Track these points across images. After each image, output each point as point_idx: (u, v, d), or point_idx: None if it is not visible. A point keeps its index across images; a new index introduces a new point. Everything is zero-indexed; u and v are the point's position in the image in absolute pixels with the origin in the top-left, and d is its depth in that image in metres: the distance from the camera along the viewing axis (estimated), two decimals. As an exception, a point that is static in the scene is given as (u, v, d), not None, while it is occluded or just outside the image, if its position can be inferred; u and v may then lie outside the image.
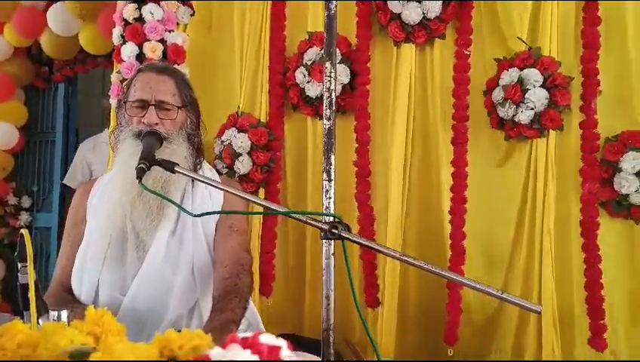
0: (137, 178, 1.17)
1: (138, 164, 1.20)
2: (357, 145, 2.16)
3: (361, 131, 2.16)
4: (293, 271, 2.32)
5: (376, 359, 1.77)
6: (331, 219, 1.06)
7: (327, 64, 1.13)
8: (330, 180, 1.10)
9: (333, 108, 1.12)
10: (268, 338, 0.54)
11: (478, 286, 0.96)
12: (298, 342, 1.52)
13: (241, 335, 0.54)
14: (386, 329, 2.11)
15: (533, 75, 1.97)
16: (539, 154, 2.04)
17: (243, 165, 2.21)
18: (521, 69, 1.99)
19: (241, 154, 2.21)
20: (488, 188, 2.11)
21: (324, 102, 1.12)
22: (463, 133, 2.10)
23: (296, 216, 1.08)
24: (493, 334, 2.10)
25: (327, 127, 1.11)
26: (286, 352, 0.55)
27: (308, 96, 2.18)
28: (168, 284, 1.37)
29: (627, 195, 1.96)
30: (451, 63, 2.15)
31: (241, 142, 2.20)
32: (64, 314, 0.82)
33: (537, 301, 2.01)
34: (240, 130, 2.24)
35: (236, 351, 0.52)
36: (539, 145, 2.05)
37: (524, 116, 1.98)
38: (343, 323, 2.13)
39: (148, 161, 1.21)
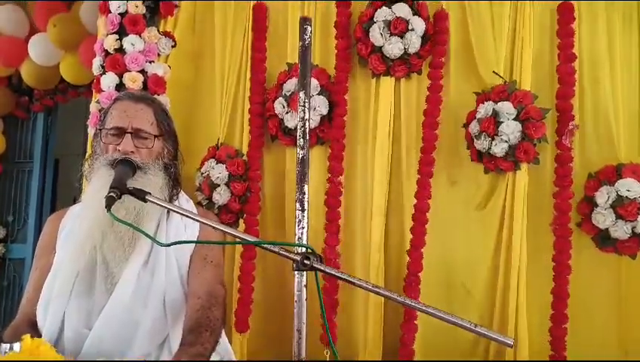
0: (106, 207, 1.15)
1: (108, 193, 1.17)
2: (329, 174, 2.16)
3: (334, 160, 2.16)
4: (272, 306, 2.27)
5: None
6: (303, 249, 1.05)
7: (301, 94, 1.13)
8: (303, 210, 1.08)
9: (307, 137, 1.11)
10: None
11: (452, 319, 0.94)
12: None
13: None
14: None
15: (506, 108, 2.00)
16: (516, 187, 2.06)
17: (221, 196, 2.19)
18: (496, 102, 2.03)
19: (218, 185, 2.19)
20: (467, 222, 2.12)
21: (298, 131, 1.11)
22: (429, 165, 2.12)
23: (267, 246, 1.06)
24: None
25: (300, 156, 1.10)
26: None
27: (287, 127, 2.18)
28: (136, 319, 1.32)
29: (607, 229, 1.98)
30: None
31: (218, 173, 2.18)
32: (16, 346, 0.78)
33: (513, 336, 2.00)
34: (218, 161, 2.22)
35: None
36: (516, 177, 2.07)
37: (499, 148, 2.00)
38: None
39: (119, 189, 1.19)
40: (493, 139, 2.00)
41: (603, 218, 1.97)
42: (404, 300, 0.98)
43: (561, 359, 1.99)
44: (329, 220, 2.14)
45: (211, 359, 1.42)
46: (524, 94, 2.02)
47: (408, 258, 2.09)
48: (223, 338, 1.46)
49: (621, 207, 1.93)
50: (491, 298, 2.09)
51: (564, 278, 2.01)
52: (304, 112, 1.12)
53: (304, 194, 1.09)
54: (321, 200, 2.18)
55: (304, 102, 1.13)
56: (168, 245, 1.11)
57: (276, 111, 2.22)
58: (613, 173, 2.00)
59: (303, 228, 1.08)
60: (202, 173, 2.24)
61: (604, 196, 1.97)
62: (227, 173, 2.19)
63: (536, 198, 2.07)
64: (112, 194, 1.17)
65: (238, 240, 1.09)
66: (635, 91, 2.08)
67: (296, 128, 2.15)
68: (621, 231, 1.94)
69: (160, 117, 1.48)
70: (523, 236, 2.03)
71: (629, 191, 1.94)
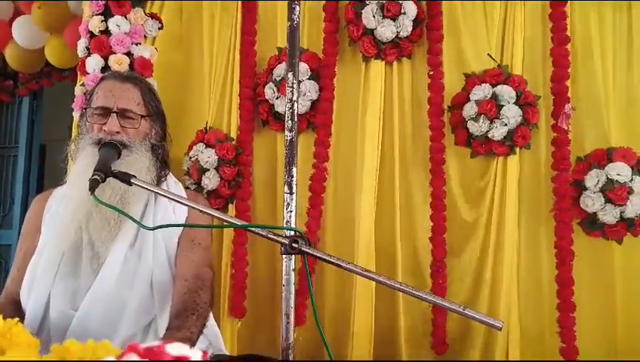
0: (90, 190, 1.12)
1: (92, 176, 1.15)
2: (314, 160, 2.14)
3: (320, 146, 2.14)
4: (262, 291, 2.26)
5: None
6: (292, 233, 1.03)
7: (290, 75, 1.11)
8: (291, 193, 1.07)
9: (295, 120, 1.09)
10: (177, 348, 0.49)
11: (441, 302, 0.94)
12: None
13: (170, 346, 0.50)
14: (358, 352, 2.07)
15: (507, 92, 1.99)
16: (508, 172, 2.06)
17: (210, 180, 2.16)
18: (493, 86, 2.01)
19: (208, 170, 2.17)
20: (454, 206, 2.12)
21: (286, 113, 1.09)
22: (440, 152, 2.10)
23: (256, 229, 1.05)
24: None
25: (288, 138, 1.09)
26: None
27: (277, 112, 2.16)
28: (123, 300, 1.31)
29: (595, 213, 1.98)
30: (418, 82, 2.16)
31: (207, 157, 2.16)
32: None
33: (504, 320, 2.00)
34: (207, 146, 2.20)
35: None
36: (507, 162, 2.06)
37: (498, 132, 1.99)
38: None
39: (103, 172, 1.17)
40: (492, 122, 1.99)
41: (592, 201, 1.96)
42: (393, 283, 0.97)
43: (572, 350, 1.94)
44: (312, 205, 2.12)
45: (200, 344, 1.42)
46: (519, 79, 2.01)
47: (431, 245, 2.08)
48: (211, 322, 1.45)
49: (611, 191, 1.93)
50: (479, 284, 2.09)
51: (568, 264, 1.98)
52: (292, 94, 1.10)
53: (292, 177, 1.08)
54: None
55: (292, 83, 1.11)
56: (153, 229, 1.09)
57: (266, 97, 2.20)
58: (603, 157, 1.99)
59: (292, 211, 1.07)
60: (191, 158, 2.22)
61: (593, 179, 1.96)
62: (216, 157, 2.17)
63: (527, 183, 2.07)
64: (96, 177, 1.15)
65: (225, 223, 1.08)
66: (625, 75, 2.07)
67: (286, 112, 2.15)
68: (610, 215, 1.94)
69: (147, 97, 1.45)
70: (515, 221, 2.02)
71: (619, 175, 1.94)
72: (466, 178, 2.12)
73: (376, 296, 2.09)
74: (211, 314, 1.45)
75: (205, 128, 2.26)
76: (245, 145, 2.24)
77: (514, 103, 1.99)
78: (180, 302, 1.28)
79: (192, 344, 1.17)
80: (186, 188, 2.16)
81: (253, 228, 1.05)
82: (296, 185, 1.07)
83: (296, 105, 1.10)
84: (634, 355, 1.99)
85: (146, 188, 1.18)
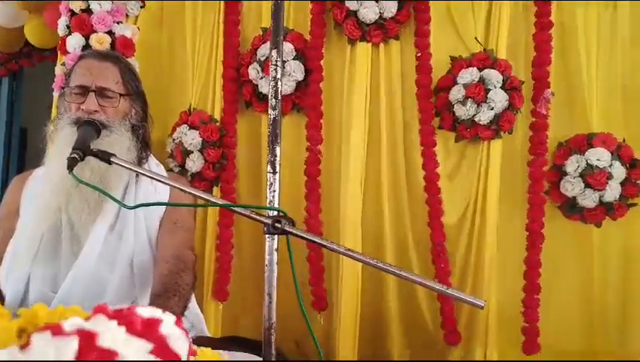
0: (68, 168, 1.10)
1: (70, 154, 1.13)
2: (308, 143, 2.12)
3: (312, 129, 2.12)
4: (247, 273, 2.25)
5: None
6: (275, 213, 1.02)
7: (274, 52, 1.09)
8: (274, 173, 1.06)
9: (279, 98, 1.08)
10: (148, 311, 0.48)
11: (423, 281, 0.94)
12: (244, 344, 1.47)
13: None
14: (344, 334, 2.08)
15: (495, 76, 1.98)
16: (491, 156, 2.06)
17: (194, 163, 2.14)
18: (480, 70, 2.00)
19: (192, 152, 2.14)
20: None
21: (270, 91, 1.08)
22: (431, 135, 2.09)
23: (238, 209, 1.03)
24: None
25: (272, 116, 1.07)
26: (172, 330, 0.49)
27: (261, 93, 2.13)
28: (103, 282, 1.29)
29: (575, 198, 2.00)
30: (406, 64, 2.14)
31: (191, 139, 2.13)
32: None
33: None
34: (191, 127, 2.17)
35: (99, 322, 0.46)
36: (490, 146, 2.07)
37: (485, 116, 1.98)
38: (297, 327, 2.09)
39: (81, 150, 1.14)
40: (479, 106, 1.98)
41: (572, 186, 1.98)
42: (377, 263, 0.97)
43: (534, 330, 2.01)
44: (309, 189, 2.11)
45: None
46: (505, 64, 2.01)
47: (430, 229, 2.08)
48: (193, 305, 1.44)
49: (590, 176, 1.95)
50: (465, 267, 2.11)
51: (537, 247, 2.03)
52: (276, 72, 1.08)
53: (276, 156, 1.07)
54: (297, 169, 2.15)
55: (276, 61, 1.09)
56: (133, 207, 1.08)
57: (250, 77, 2.16)
58: (583, 142, 2.01)
59: (275, 191, 1.06)
60: (174, 140, 2.19)
61: (573, 165, 1.98)
62: (201, 139, 2.14)
63: (508, 167, 2.08)
64: (74, 155, 1.13)
65: (208, 203, 1.06)
66: (608, 61, 2.08)
67: (270, 94, 2.13)
68: (589, 199, 1.97)
69: (126, 76, 1.42)
70: (497, 205, 2.04)
71: (598, 160, 1.96)
72: (451, 162, 2.12)
73: (362, 279, 2.10)
74: (193, 297, 1.45)
75: (189, 109, 2.22)
76: (229, 126, 2.21)
77: (500, 88, 1.99)
78: (160, 283, 1.27)
79: (174, 324, 1.15)
80: (169, 170, 2.14)
81: (235, 208, 1.03)
82: (279, 164, 1.06)
83: (280, 83, 1.08)
84: (609, 336, 2.04)
85: (127, 168, 1.16)
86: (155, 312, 0.48)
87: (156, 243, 1.38)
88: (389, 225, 2.12)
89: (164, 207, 1.40)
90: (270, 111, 1.08)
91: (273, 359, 1.01)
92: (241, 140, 2.25)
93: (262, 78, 2.11)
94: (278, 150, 1.06)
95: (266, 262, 1.03)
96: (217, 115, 2.23)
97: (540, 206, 2.03)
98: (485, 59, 2.02)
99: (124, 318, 0.46)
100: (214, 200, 1.08)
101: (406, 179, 2.13)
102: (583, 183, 1.97)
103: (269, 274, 1.03)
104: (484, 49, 2.06)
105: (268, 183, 1.06)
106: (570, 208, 2.04)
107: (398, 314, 2.12)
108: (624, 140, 2.03)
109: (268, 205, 1.04)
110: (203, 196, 1.14)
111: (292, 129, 2.17)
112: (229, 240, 2.20)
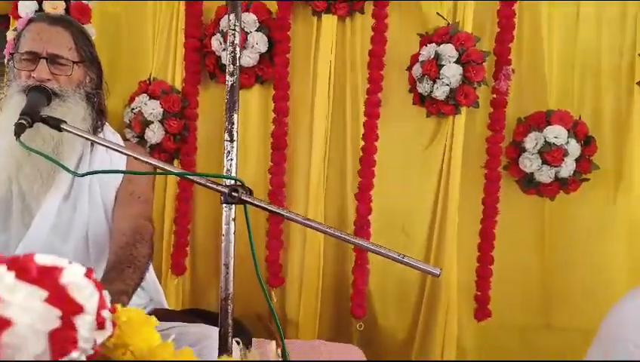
0: (15, 135, 1.05)
1: (18, 120, 1.08)
2: (274, 115, 2.10)
3: (279, 101, 2.09)
4: (208, 246, 2.24)
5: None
6: (232, 182, 1.00)
7: (232, 17, 1.05)
8: (232, 141, 1.03)
9: (237, 64, 1.05)
10: (46, 258, 0.45)
11: (379, 249, 0.94)
12: (204, 316, 1.46)
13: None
14: (306, 307, 2.09)
15: (448, 51, 1.99)
16: (455, 131, 2.09)
17: (154, 133, 2.09)
18: (439, 45, 2.01)
19: (152, 122, 2.09)
20: (409, 165, 2.14)
21: (227, 57, 1.05)
22: (375, 106, 2.09)
23: (194, 178, 1.01)
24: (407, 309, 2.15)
25: (230, 83, 1.04)
26: (75, 279, 0.47)
27: (224, 64, 2.07)
28: (56, 254, 1.24)
29: (533, 173, 2.05)
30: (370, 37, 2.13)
31: (152, 109, 2.08)
32: None
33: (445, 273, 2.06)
34: (151, 97, 2.11)
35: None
36: (455, 122, 2.09)
37: (440, 92, 2.00)
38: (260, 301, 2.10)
39: (30, 116, 1.09)
40: (434, 82, 1.99)
41: (530, 163, 2.03)
42: (333, 232, 0.96)
43: (485, 298, 2.07)
44: (275, 162, 2.10)
45: (140, 299, 1.39)
46: (466, 37, 2.01)
47: (357, 201, 2.08)
48: (152, 278, 1.42)
49: (548, 153, 2.00)
50: (429, 241, 2.14)
51: (492, 220, 2.09)
52: (234, 37, 1.05)
53: (233, 124, 1.04)
54: (262, 142, 2.13)
55: (234, 26, 1.05)
56: (84, 175, 1.04)
57: (213, 48, 2.12)
58: (542, 120, 2.05)
59: (232, 159, 1.03)
60: (133, 109, 2.13)
61: (532, 142, 2.03)
62: (161, 109, 2.09)
63: (472, 142, 2.11)
64: (22, 121, 1.08)
65: (162, 171, 1.04)
66: (569, 39, 2.11)
67: (233, 65, 2.08)
68: (545, 175, 2.02)
69: (80, 41, 1.35)
70: (459, 179, 2.07)
71: (556, 138, 2.01)
72: (422, 138, 2.14)
73: (325, 255, 2.11)
74: (152, 270, 1.42)
75: (149, 79, 2.16)
76: (191, 97, 2.16)
77: (454, 62, 1.99)
78: (115, 255, 1.24)
79: (128, 296, 1.13)
80: (126, 140, 2.08)
81: (191, 177, 1.01)
82: (237, 132, 1.04)
83: (237, 48, 1.05)
84: (560, 308, 2.12)
85: (79, 135, 1.11)
86: (58, 261, 0.46)
87: (112, 215, 1.34)
88: (352, 199, 2.13)
89: (120, 179, 1.36)
90: (228, 77, 1.04)
91: (230, 329, 1.00)
92: (203, 112, 2.21)
93: (224, 49, 2.06)
94: (235, 117, 1.04)
95: (223, 232, 1.01)
96: (178, 86, 2.18)
97: (496, 181, 2.08)
98: (445, 34, 2.03)
99: (17, 264, 0.44)
100: (169, 168, 1.05)
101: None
102: (541, 160, 2.02)
103: (226, 245, 1.01)
104: (448, 23, 2.06)
105: (225, 151, 1.04)
106: (528, 183, 2.09)
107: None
108: (580, 117, 2.08)
109: (225, 173, 1.02)
110: (159, 165, 1.11)
111: (257, 102, 2.15)
112: (186, 214, 2.17)
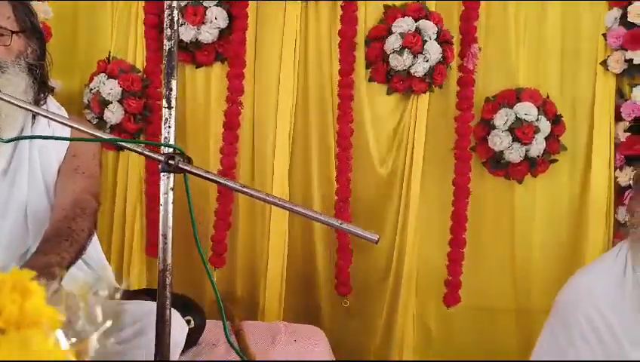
0: (-55, 105, 1.00)
1: (-51, 90, 1.02)
2: (228, 93, 2.05)
3: (233, 78, 2.04)
4: (181, 229, 2.18)
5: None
6: (170, 150, 0.96)
7: (170, -24, 1.01)
8: (170, 107, 0.99)
9: (175, 27, 1.00)
10: None
11: (320, 217, 0.91)
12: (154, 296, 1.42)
13: None
14: (271, 292, 2.06)
15: (430, 27, 1.96)
16: (419, 110, 2.06)
17: (113, 114, 2.03)
18: (416, 20, 1.97)
19: (110, 102, 2.03)
20: (367, 144, 2.10)
21: (165, 20, 1.00)
22: (349, 88, 2.06)
23: (129, 145, 0.97)
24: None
25: (167, 47, 0.99)
26: None
27: (182, 40, 2.02)
28: None
29: (502, 152, 2.03)
30: (337, 16, 2.09)
31: (110, 88, 2.01)
32: None
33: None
34: (110, 76, 2.04)
35: None
36: (419, 100, 2.06)
37: (420, 68, 1.96)
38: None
39: (-38, 86, 1.04)
40: (415, 57, 1.95)
41: (500, 140, 2.01)
42: (273, 199, 0.93)
43: (456, 283, 2.06)
44: (227, 142, 2.05)
45: (87, 276, 1.34)
46: (438, 17, 1.98)
47: (336, 184, 2.06)
48: (98, 254, 1.37)
49: (519, 129, 1.98)
50: (393, 223, 2.12)
51: (463, 201, 2.07)
52: (172, -1, 1.00)
53: (171, 90, 0.99)
54: (220, 122, 2.08)
55: (172, -14, 1.01)
56: (7, 141, 0.99)
57: (173, 24, 2.05)
58: (512, 97, 2.04)
59: (170, 127, 0.99)
60: (91, 90, 2.06)
61: (502, 118, 2.00)
62: (120, 89, 2.03)
63: (438, 122, 2.08)
64: (-47, 90, 1.02)
65: (97, 138, 0.99)
66: (536, 17, 2.10)
67: (191, 42, 2.03)
68: (516, 153, 2.01)
69: (19, 10, 1.29)
70: (421, 158, 2.05)
71: (527, 114, 1.99)
72: (381, 116, 2.10)
73: (289, 237, 2.08)
74: (99, 247, 1.38)
75: (107, 58, 2.10)
76: (153, 76, 2.09)
77: (435, 40, 1.97)
78: (52, 228, 1.19)
79: (61, 268, 1.08)
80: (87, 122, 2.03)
81: (125, 144, 0.97)
82: (175, 98, 1.00)
83: (176, 12, 1.01)
84: (530, 292, 2.11)
85: (12, 103, 1.06)
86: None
87: (54, 190, 1.29)
88: (317, 179, 2.10)
89: (62, 154, 1.31)
90: (165, 42, 1.00)
91: (168, 302, 0.97)
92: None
93: (182, 24, 2.01)
94: (173, 83, 0.99)
95: (161, 202, 0.98)
96: (140, 65, 2.12)
97: (467, 161, 2.06)
98: (419, 10, 1.99)
99: None
100: (105, 137, 1.01)
101: (334, 132, 2.10)
102: (511, 137, 2.00)
103: (164, 214, 0.97)
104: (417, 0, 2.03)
105: (163, 118, 0.99)
106: (496, 163, 2.07)
107: (326, 268, 2.12)
108: (548, 96, 2.06)
109: (163, 141, 0.98)
110: (100, 135, 1.07)
111: (217, 81, 2.10)
112: (157, 196, 2.11)
